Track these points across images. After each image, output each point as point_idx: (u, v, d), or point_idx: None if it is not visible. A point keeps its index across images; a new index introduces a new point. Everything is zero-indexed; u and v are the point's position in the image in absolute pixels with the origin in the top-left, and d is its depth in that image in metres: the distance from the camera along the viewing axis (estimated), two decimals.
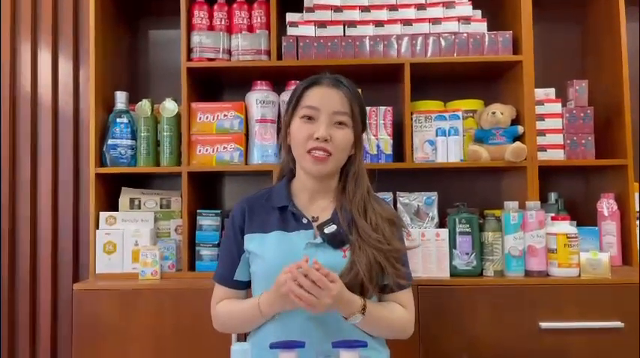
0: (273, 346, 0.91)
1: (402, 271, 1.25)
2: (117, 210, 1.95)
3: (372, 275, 1.19)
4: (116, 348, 1.68)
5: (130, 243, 1.87)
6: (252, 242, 1.28)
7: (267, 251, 1.25)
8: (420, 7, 1.96)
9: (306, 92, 1.28)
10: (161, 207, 1.97)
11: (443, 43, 1.93)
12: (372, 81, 2.02)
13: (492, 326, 1.65)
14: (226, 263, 1.33)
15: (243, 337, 1.51)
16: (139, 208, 1.96)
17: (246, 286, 1.34)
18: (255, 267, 1.28)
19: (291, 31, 1.96)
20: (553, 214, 1.80)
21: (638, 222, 1.88)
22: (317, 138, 1.23)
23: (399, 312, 1.26)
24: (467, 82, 2.10)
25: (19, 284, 2.12)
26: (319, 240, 1.23)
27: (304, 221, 1.27)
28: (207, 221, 1.90)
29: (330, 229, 1.19)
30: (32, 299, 2.12)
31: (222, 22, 1.95)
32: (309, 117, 1.26)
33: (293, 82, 1.95)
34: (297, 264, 1.10)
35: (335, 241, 1.21)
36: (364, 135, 1.36)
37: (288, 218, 1.28)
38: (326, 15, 1.96)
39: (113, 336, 1.69)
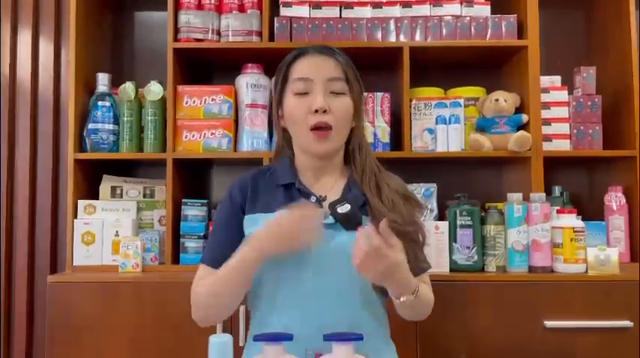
0: (257, 338, 0.81)
1: (422, 253, 1.17)
2: (98, 198, 1.84)
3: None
4: (92, 345, 1.58)
5: (110, 233, 1.76)
6: (256, 224, 1.12)
7: None
8: None
9: (293, 65, 1.17)
10: (144, 197, 1.87)
11: (444, 26, 1.83)
12: (369, 66, 1.88)
13: (494, 324, 1.56)
14: (223, 244, 1.15)
15: (229, 329, 1.41)
16: (121, 197, 1.85)
17: None
18: None
19: (284, 11, 1.86)
20: (558, 208, 1.71)
21: None
22: (316, 111, 1.11)
23: (430, 293, 1.18)
24: (469, 68, 2.00)
25: None
26: (331, 219, 1.09)
27: (312, 199, 1.14)
28: (193, 211, 1.80)
29: (344, 209, 1.07)
30: (7, 292, 2.01)
31: (212, 1, 1.85)
32: (303, 92, 1.14)
33: None
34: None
35: (349, 222, 1.07)
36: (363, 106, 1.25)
37: (295, 197, 1.15)
38: None
39: (89, 332, 1.58)
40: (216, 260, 1.13)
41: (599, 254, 1.61)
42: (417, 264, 1.14)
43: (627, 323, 1.54)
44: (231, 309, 1.14)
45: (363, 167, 1.18)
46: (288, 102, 1.16)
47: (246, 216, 1.16)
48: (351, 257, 0.97)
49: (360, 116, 1.21)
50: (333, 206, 1.08)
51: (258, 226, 1.10)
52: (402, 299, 1.04)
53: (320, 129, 1.12)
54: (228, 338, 0.74)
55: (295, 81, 1.15)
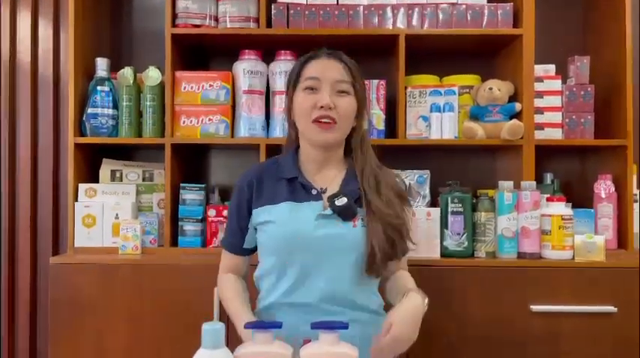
0: (247, 326, 0.86)
1: (404, 240, 1.28)
2: (98, 182, 1.88)
3: (386, 251, 1.21)
4: (94, 324, 1.63)
5: (110, 216, 1.80)
6: (262, 216, 1.27)
7: (277, 221, 1.24)
8: None
9: (305, 66, 1.29)
10: (143, 180, 1.91)
11: (440, 14, 1.85)
12: (365, 53, 1.92)
13: (483, 308, 1.61)
14: (234, 231, 1.34)
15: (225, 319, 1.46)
16: (121, 180, 1.89)
17: (252, 252, 1.37)
18: (265, 239, 1.28)
19: None
20: (548, 195, 1.75)
21: (635, 204, 1.82)
22: (321, 107, 1.22)
23: (412, 280, 1.29)
24: (464, 56, 2.02)
25: None
26: (329, 211, 1.23)
27: (313, 192, 1.27)
28: (191, 195, 1.84)
29: (341, 202, 1.20)
30: (11, 273, 2.06)
31: None
32: (312, 88, 1.26)
33: (282, 51, 1.87)
34: None
35: (346, 214, 1.22)
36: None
37: (298, 189, 1.28)
38: None
39: (90, 312, 1.63)
40: (232, 244, 1.36)
41: (587, 241, 1.65)
42: (401, 247, 1.26)
43: (611, 308, 1.58)
44: None
45: (363, 165, 1.29)
46: (298, 97, 1.28)
47: (254, 211, 1.30)
48: None
49: (363, 116, 1.32)
50: (331, 199, 1.21)
51: (266, 217, 1.26)
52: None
53: (325, 119, 1.23)
54: (220, 325, 0.78)
55: (306, 79, 1.27)
